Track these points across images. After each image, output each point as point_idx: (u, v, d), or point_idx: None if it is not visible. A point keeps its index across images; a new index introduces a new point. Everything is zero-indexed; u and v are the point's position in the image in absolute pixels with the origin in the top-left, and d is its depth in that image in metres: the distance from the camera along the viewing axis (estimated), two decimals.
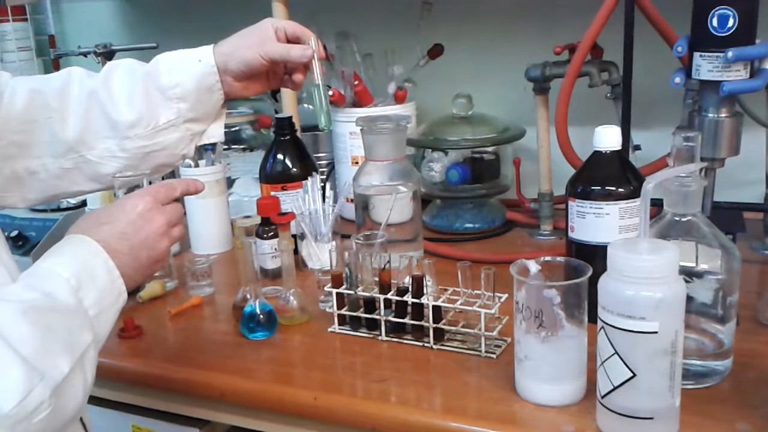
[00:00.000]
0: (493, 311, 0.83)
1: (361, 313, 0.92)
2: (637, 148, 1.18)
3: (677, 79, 0.89)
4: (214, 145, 1.23)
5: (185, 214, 0.93)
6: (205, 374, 0.86)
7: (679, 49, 0.87)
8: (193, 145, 0.91)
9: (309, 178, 1.17)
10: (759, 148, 1.09)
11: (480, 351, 0.84)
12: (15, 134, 0.86)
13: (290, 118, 1.24)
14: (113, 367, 0.92)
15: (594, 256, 0.78)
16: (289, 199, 1.18)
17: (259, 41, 0.87)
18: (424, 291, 0.87)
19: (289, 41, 0.89)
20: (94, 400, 0.97)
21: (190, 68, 0.87)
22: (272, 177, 1.22)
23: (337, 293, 0.92)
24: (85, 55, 1.58)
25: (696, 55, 0.86)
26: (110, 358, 0.92)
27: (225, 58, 0.87)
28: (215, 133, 0.92)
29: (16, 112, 0.85)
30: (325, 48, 1.36)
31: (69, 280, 0.65)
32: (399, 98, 1.37)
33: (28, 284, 0.64)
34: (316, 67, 0.90)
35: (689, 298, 0.69)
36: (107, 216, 0.72)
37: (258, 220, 1.11)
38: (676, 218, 0.72)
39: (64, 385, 0.59)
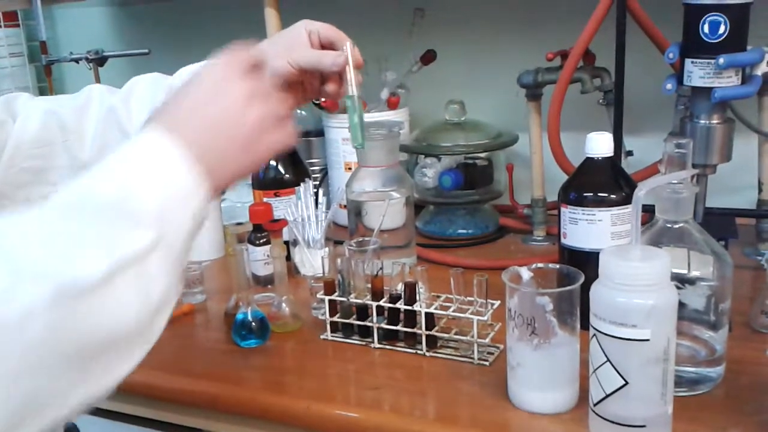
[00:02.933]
0: (485, 318, 0.83)
1: (353, 320, 0.91)
2: (630, 153, 1.18)
3: (669, 86, 0.89)
4: None
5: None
6: (196, 382, 0.86)
7: (671, 55, 0.88)
8: None
9: (302, 184, 1.17)
10: (751, 153, 1.10)
11: (473, 358, 0.84)
12: (27, 160, 0.78)
13: None
14: None
15: (586, 262, 0.78)
16: (281, 206, 1.18)
17: (288, 47, 0.77)
18: (417, 298, 0.87)
19: (323, 46, 0.79)
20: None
21: None
22: (265, 183, 1.22)
23: (330, 300, 0.92)
24: (77, 61, 1.58)
25: (687, 61, 0.86)
26: None
27: None
28: None
29: (29, 136, 0.78)
30: None
31: (115, 170, 0.52)
32: (392, 104, 1.37)
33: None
34: (351, 77, 0.79)
35: (682, 305, 0.69)
36: (183, 93, 0.59)
37: (250, 226, 1.11)
38: (668, 225, 0.72)
39: (89, 293, 0.45)
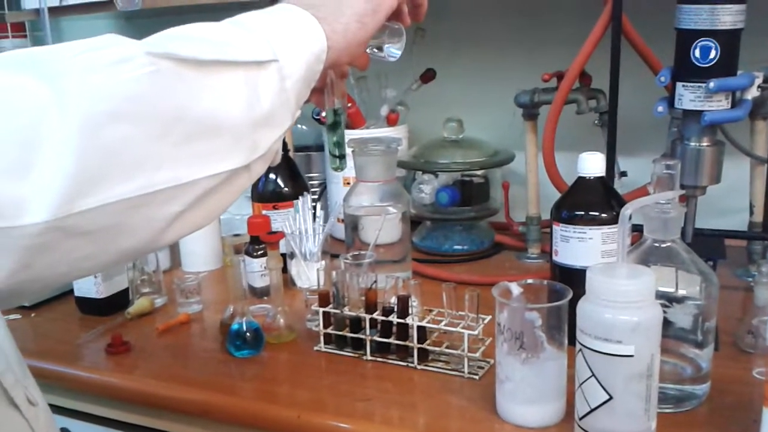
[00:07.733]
0: (476, 332, 0.84)
1: (346, 333, 0.93)
2: (624, 174, 1.20)
3: (660, 108, 0.91)
4: None
5: None
6: (190, 391, 0.87)
7: (662, 79, 0.89)
8: None
9: (300, 197, 1.18)
10: (743, 175, 1.11)
11: (463, 372, 0.85)
12: None
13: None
14: (99, 382, 0.92)
15: (577, 279, 0.79)
16: (279, 218, 1.19)
17: None
18: (410, 311, 0.88)
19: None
20: (78, 414, 0.97)
21: None
22: (264, 196, 1.23)
23: (324, 312, 0.93)
24: None
25: (679, 85, 0.88)
26: (96, 373, 0.93)
27: None
28: None
29: None
30: None
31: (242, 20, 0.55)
32: (391, 121, 1.38)
33: None
34: (330, 87, 0.71)
35: (669, 323, 0.71)
36: None
37: (248, 237, 1.12)
38: (656, 244, 0.74)
39: (193, 66, 0.48)
